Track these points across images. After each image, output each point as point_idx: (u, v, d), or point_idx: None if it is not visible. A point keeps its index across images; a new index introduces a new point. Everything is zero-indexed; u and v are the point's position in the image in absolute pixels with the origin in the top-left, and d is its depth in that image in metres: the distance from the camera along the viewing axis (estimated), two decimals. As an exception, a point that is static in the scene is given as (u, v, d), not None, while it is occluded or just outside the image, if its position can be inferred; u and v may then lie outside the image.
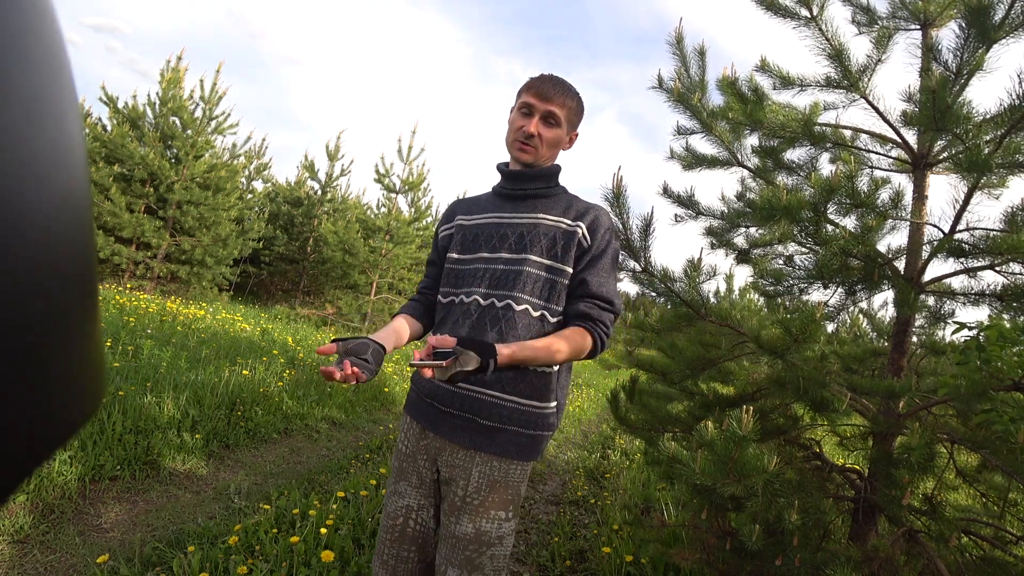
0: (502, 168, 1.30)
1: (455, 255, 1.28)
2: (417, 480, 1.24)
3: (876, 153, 2.00)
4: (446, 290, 1.28)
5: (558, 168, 1.28)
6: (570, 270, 1.20)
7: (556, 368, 1.21)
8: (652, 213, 1.67)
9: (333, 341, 1.09)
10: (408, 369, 7.05)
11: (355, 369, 1.00)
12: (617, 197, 1.65)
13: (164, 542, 2.18)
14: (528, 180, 1.25)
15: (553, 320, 1.20)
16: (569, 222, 1.21)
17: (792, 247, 2.18)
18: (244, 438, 3.54)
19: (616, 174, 1.63)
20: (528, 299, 1.18)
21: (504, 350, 1.03)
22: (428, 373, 0.98)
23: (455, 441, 1.17)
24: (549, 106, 1.20)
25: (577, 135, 1.31)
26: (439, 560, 1.18)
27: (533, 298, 1.18)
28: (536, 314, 1.18)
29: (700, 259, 1.74)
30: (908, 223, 1.84)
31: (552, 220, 1.22)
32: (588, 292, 1.19)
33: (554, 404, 1.22)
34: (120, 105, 9.37)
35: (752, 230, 2.30)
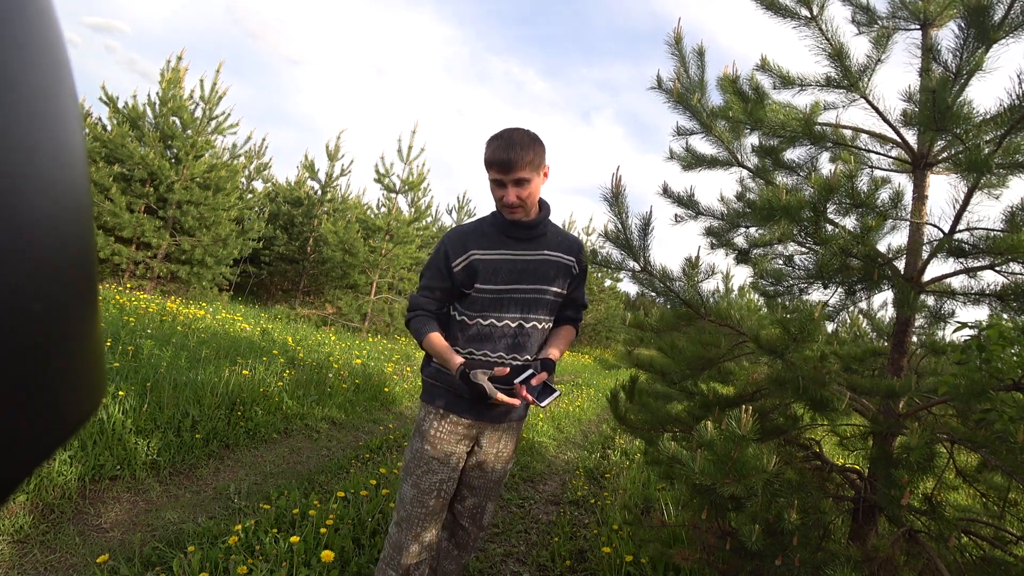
0: (507, 219, 1.55)
1: (482, 285, 1.54)
2: (446, 458, 1.56)
3: (876, 153, 2.00)
4: (473, 314, 1.56)
5: (549, 211, 1.62)
6: (564, 292, 1.63)
7: None
8: (651, 212, 1.66)
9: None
10: (407, 371, 7.06)
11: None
12: (616, 197, 1.64)
13: (164, 542, 2.18)
14: (531, 228, 1.57)
15: (551, 326, 1.67)
16: (567, 257, 1.61)
17: (792, 247, 2.18)
18: (244, 438, 3.54)
19: (615, 174, 1.63)
20: (545, 318, 1.61)
21: (551, 365, 1.53)
22: (531, 399, 1.43)
23: (497, 421, 1.60)
24: (514, 176, 1.45)
25: (548, 167, 1.57)
26: (474, 503, 1.68)
27: (547, 316, 1.62)
28: (545, 327, 1.63)
29: (698, 257, 1.73)
30: (908, 223, 1.84)
31: (555, 257, 1.59)
32: (577, 303, 1.72)
33: None
34: (120, 105, 9.38)
35: (752, 230, 2.30)
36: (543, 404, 1.43)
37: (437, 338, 1.53)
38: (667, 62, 1.95)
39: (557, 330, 1.68)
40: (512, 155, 1.42)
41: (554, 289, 1.60)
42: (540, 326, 1.60)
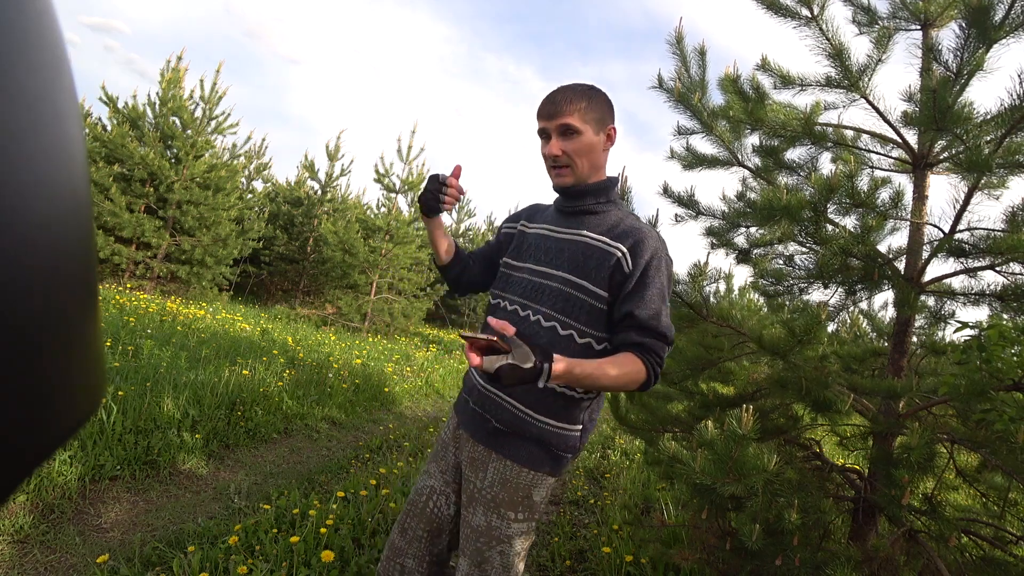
0: (554, 185, 1.27)
1: (509, 260, 1.32)
2: (445, 465, 1.32)
3: (876, 153, 2.00)
4: (495, 291, 1.33)
5: (609, 183, 1.23)
6: (599, 291, 1.13)
7: (590, 394, 1.18)
8: (657, 216, 1.66)
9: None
10: (407, 371, 7.05)
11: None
12: (622, 197, 1.64)
13: (164, 542, 2.18)
14: (577, 197, 1.22)
15: (581, 342, 1.14)
16: (608, 241, 1.15)
17: (792, 247, 2.18)
18: (244, 438, 3.54)
19: (621, 173, 1.62)
20: (553, 313, 1.16)
21: (560, 364, 0.97)
22: (475, 360, 0.92)
23: (474, 437, 1.25)
24: (559, 121, 1.14)
25: (614, 129, 1.22)
26: (466, 567, 1.21)
27: (559, 314, 1.15)
28: (559, 327, 1.15)
29: (706, 263, 1.74)
30: (908, 223, 1.84)
31: (594, 240, 1.17)
32: (639, 324, 1.10)
33: (578, 428, 1.20)
34: (120, 105, 9.37)
35: (752, 230, 2.30)
36: (465, 335, 0.94)
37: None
38: (665, 61, 1.96)
39: (615, 357, 1.09)
40: (559, 97, 1.14)
41: (577, 280, 1.15)
42: (548, 324, 1.16)
